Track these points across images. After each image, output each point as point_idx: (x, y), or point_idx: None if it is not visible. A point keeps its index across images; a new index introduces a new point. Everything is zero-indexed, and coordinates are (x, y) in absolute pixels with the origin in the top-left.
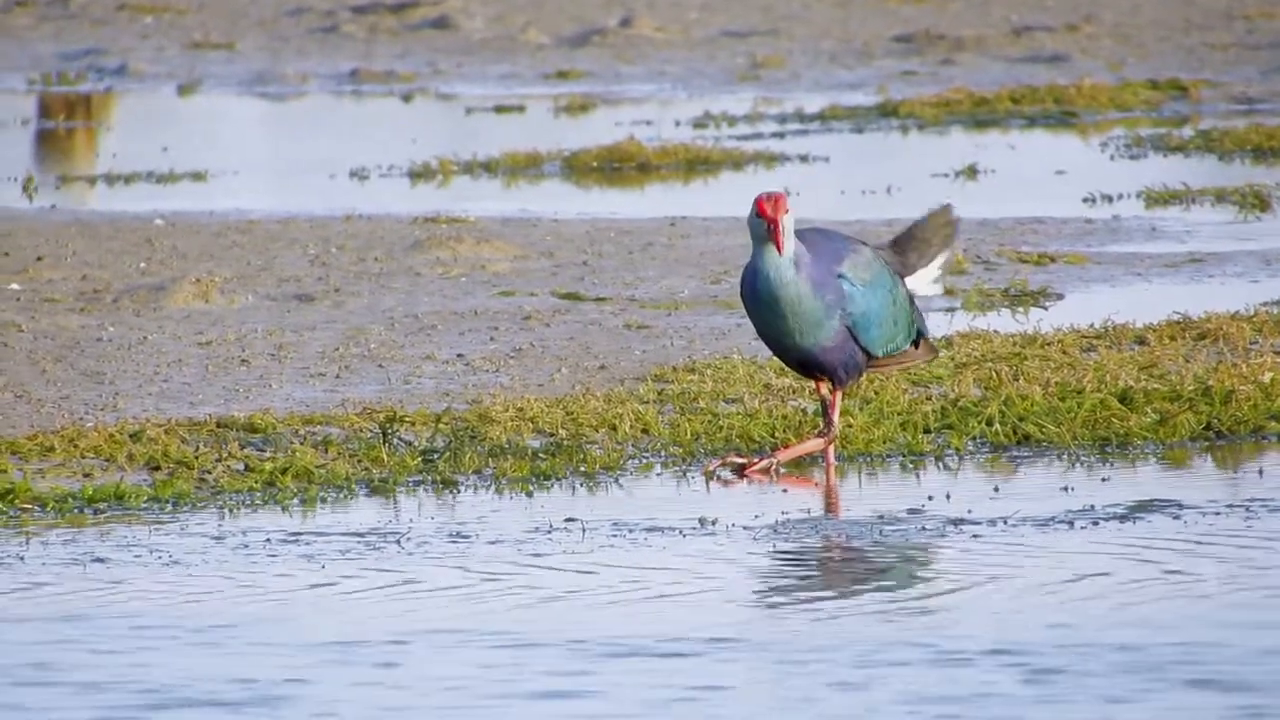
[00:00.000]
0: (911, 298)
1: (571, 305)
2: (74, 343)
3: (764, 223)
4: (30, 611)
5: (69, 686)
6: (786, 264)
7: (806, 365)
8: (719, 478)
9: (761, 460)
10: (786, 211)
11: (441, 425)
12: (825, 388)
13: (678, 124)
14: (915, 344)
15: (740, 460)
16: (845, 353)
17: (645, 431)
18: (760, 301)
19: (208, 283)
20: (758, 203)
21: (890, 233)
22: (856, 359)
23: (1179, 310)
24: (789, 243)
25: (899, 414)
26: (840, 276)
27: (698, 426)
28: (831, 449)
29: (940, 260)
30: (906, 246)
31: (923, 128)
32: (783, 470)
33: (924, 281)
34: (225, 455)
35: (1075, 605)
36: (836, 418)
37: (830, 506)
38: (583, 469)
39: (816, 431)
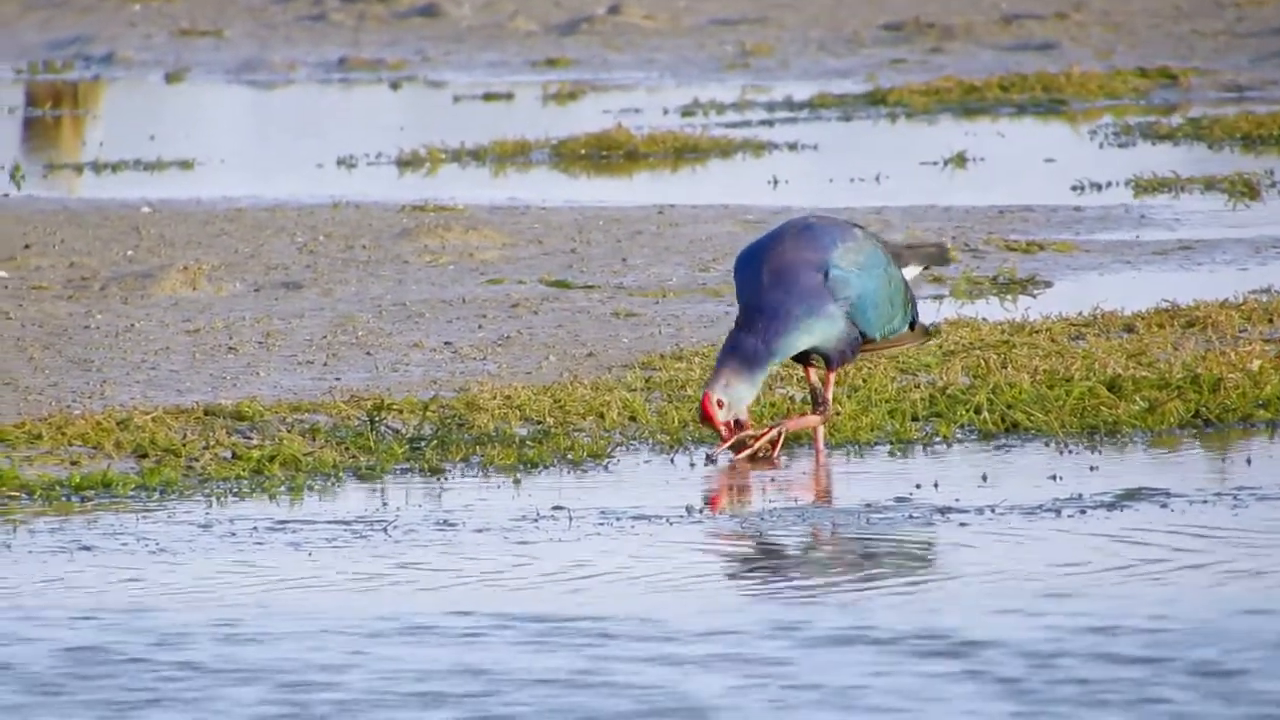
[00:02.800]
0: (906, 280)
1: (559, 293)
2: (61, 330)
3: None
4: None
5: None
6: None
7: (808, 352)
8: (713, 460)
9: (770, 430)
10: (720, 405)
11: (429, 413)
12: (815, 374)
13: (666, 112)
14: (911, 326)
15: (749, 433)
16: (847, 339)
17: (633, 419)
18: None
19: (195, 270)
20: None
21: (880, 220)
22: (855, 342)
23: (1167, 298)
24: (727, 413)
25: (887, 402)
26: (829, 268)
27: (685, 414)
28: (822, 438)
29: (920, 269)
30: (900, 249)
31: (911, 116)
32: (781, 445)
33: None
34: (213, 443)
35: (1057, 594)
36: (830, 396)
37: (817, 495)
38: (570, 457)
39: (813, 410)
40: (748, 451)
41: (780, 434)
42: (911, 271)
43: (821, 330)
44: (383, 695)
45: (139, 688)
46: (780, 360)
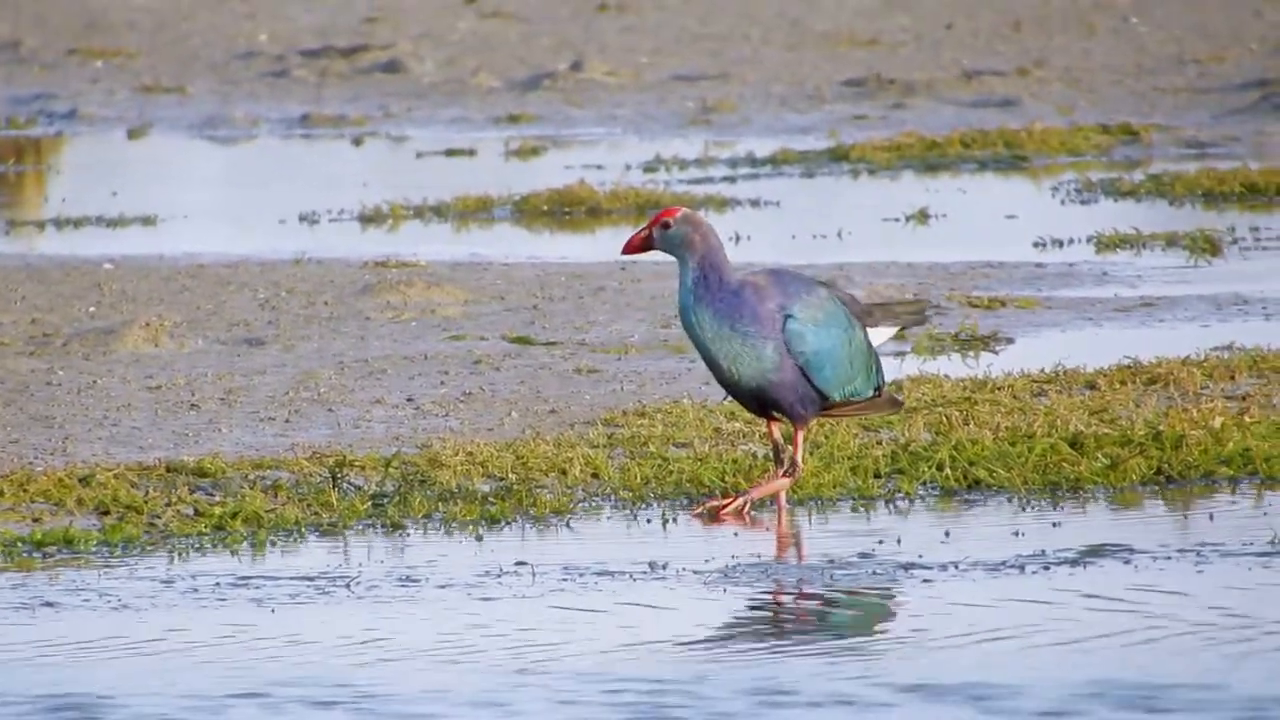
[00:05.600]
0: (871, 345)
1: (522, 349)
2: (23, 386)
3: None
4: None
5: None
6: (684, 291)
7: (760, 401)
8: (696, 518)
9: (735, 500)
10: (666, 225)
11: (391, 469)
12: (778, 430)
13: (628, 168)
14: (878, 391)
15: (715, 503)
16: (796, 391)
17: (595, 475)
18: (683, 325)
19: (157, 326)
20: None
21: (842, 276)
22: (810, 397)
23: (1130, 355)
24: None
25: (849, 458)
26: (788, 316)
27: (648, 471)
28: (784, 494)
29: (896, 330)
30: (873, 307)
31: (874, 171)
32: (753, 511)
33: (877, 336)
34: (175, 499)
35: (1022, 650)
36: (800, 456)
37: (781, 551)
38: (533, 513)
39: (782, 471)
40: (729, 509)
41: (746, 503)
42: (886, 332)
43: (753, 356)
44: None
45: None
46: (712, 298)
